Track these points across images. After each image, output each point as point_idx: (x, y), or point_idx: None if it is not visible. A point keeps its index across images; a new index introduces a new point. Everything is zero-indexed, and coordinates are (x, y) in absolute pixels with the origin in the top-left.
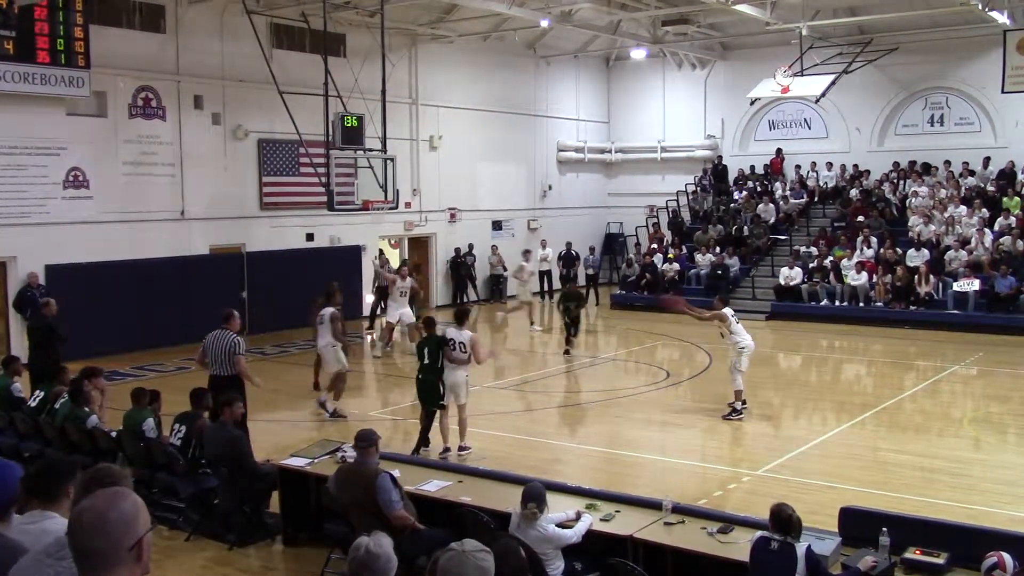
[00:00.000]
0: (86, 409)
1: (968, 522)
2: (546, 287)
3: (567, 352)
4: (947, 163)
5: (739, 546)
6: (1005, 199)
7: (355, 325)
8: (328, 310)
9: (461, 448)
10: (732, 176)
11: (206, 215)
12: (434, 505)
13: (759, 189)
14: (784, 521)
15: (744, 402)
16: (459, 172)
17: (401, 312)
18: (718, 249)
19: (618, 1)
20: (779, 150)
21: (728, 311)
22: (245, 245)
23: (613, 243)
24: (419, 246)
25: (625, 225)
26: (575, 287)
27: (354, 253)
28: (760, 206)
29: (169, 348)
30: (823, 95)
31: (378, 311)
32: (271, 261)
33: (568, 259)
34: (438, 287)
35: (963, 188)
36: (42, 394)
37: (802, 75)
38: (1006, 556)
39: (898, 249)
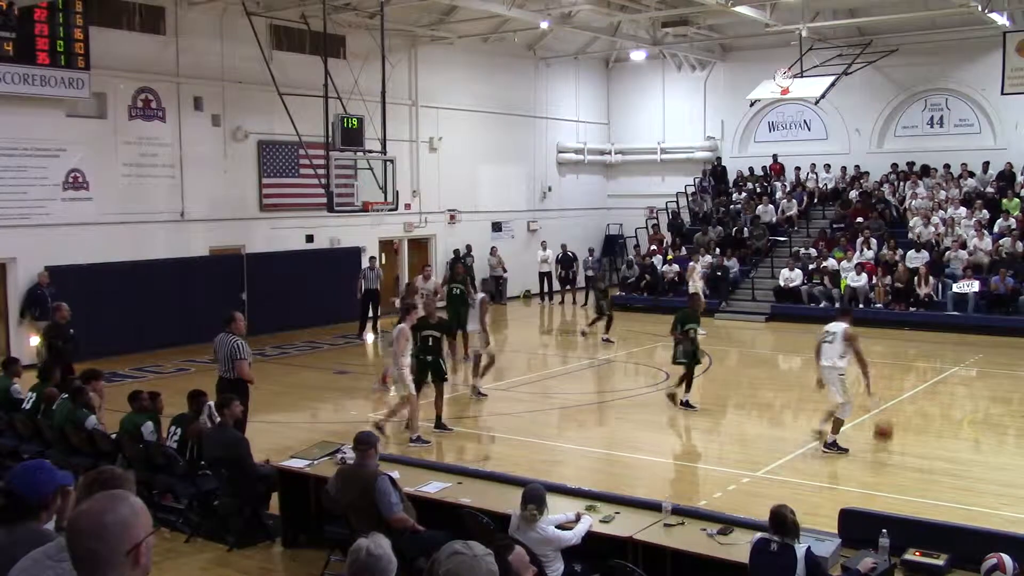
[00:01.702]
0: (84, 410)
1: (968, 523)
2: (546, 288)
3: (689, 405)
4: (947, 165)
5: (739, 547)
6: (1004, 200)
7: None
8: (480, 294)
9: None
10: (732, 177)
11: (206, 216)
12: (434, 507)
13: (759, 190)
14: (784, 522)
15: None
16: (459, 173)
17: None
18: (717, 251)
19: (618, 3)
20: (775, 156)
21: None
22: (245, 246)
23: (613, 244)
24: (419, 247)
25: (625, 226)
26: (697, 301)
27: (354, 255)
28: (760, 207)
29: (169, 349)
30: (823, 97)
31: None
32: (271, 262)
33: (565, 261)
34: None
35: (962, 190)
36: (34, 395)
37: (802, 77)
38: (1006, 557)
39: (898, 250)
